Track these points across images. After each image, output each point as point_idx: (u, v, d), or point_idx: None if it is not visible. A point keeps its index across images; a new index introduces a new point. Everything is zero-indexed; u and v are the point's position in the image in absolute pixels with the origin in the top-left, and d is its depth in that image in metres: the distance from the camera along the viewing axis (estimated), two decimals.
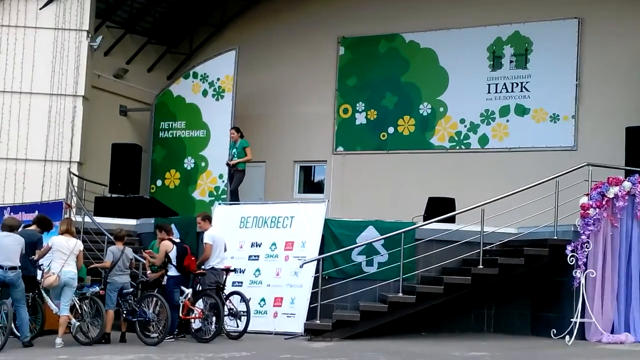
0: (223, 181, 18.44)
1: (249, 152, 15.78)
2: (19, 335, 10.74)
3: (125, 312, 11.57)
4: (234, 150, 15.87)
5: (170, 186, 19.24)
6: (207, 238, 12.22)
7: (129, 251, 11.89)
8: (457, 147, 18.73)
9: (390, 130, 19.35)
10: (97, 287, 11.53)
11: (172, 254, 11.95)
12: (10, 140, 16.75)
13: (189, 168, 19.11)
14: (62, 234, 11.22)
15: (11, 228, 10.89)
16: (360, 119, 19.71)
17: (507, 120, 18.30)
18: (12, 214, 14.48)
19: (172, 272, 11.94)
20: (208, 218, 12.59)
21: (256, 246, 13.81)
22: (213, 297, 11.82)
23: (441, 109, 18.93)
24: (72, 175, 16.25)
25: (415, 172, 18.77)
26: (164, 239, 12.23)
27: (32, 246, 11.19)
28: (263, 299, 13.20)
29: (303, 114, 20.06)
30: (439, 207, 14.62)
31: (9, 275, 10.49)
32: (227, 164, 15.93)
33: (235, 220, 14.19)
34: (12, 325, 10.52)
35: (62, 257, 10.96)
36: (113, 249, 11.73)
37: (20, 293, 10.63)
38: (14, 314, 10.40)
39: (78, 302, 11.25)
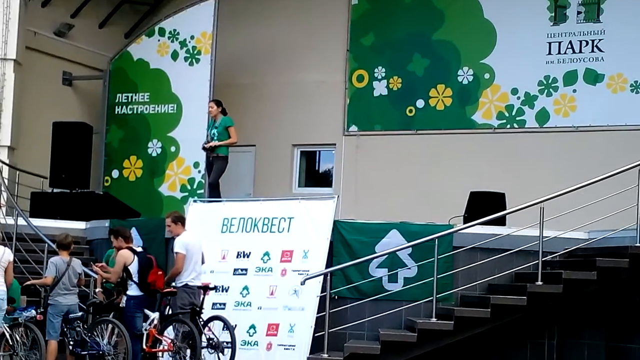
0: (199, 171, 18.46)
1: (233, 132, 15.78)
2: None
3: (72, 342, 11.62)
4: (214, 130, 15.87)
5: (130, 178, 19.27)
6: (178, 246, 12.24)
7: (76, 264, 11.94)
8: (508, 126, 18.71)
9: (420, 103, 19.34)
10: (34, 311, 11.53)
11: (133, 268, 11.97)
12: None
13: (154, 154, 19.12)
14: None
15: None
16: (380, 89, 19.70)
17: (574, 91, 18.27)
18: None
19: (133, 291, 11.96)
20: (180, 220, 12.61)
21: (244, 256, 13.83)
22: (187, 323, 11.84)
23: (486, 76, 18.90)
24: (1, 164, 16.28)
25: (452, 158, 18.76)
26: (122, 247, 12.25)
27: None
28: (253, 326, 13.22)
29: (304, 83, 20.05)
30: (485, 204, 14.61)
31: None
32: (204, 148, 15.93)
33: (216, 223, 14.20)
34: None
35: None
36: (56, 261, 11.77)
37: None
38: None
39: (8, 329, 11.27)
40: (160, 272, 12.15)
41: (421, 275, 13.03)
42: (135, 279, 11.94)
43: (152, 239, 14.37)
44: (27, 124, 17.91)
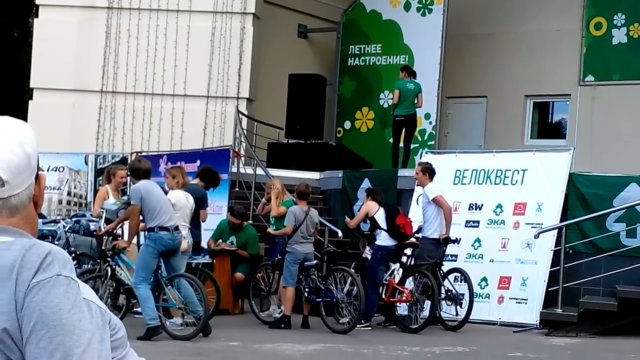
0: (430, 122, 18.43)
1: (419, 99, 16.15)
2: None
3: (307, 290, 11.84)
4: None
5: (362, 129, 19.49)
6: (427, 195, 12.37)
7: (314, 214, 12.11)
8: None
9: None
10: (207, 256, 11.95)
11: (379, 216, 12.04)
12: (165, 71, 17.57)
13: (385, 105, 19.23)
14: (172, 188, 11.35)
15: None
16: (619, 36, 18.95)
17: None
18: (169, 163, 15.20)
19: (382, 240, 12.02)
20: (428, 171, 12.50)
21: (476, 209, 13.79)
22: (427, 275, 11.88)
23: None
24: (240, 116, 16.83)
25: None
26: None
27: (196, 204, 11.67)
28: (484, 279, 13.18)
29: (538, 32, 19.57)
30: None
31: (178, 239, 10.51)
32: None
33: (449, 175, 14.19)
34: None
35: (184, 218, 11.25)
36: (295, 210, 11.93)
37: (185, 262, 10.90)
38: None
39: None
40: (408, 219, 12.28)
41: None
42: (384, 226, 12.03)
43: (385, 190, 14.48)
44: (265, 76, 18.41)
